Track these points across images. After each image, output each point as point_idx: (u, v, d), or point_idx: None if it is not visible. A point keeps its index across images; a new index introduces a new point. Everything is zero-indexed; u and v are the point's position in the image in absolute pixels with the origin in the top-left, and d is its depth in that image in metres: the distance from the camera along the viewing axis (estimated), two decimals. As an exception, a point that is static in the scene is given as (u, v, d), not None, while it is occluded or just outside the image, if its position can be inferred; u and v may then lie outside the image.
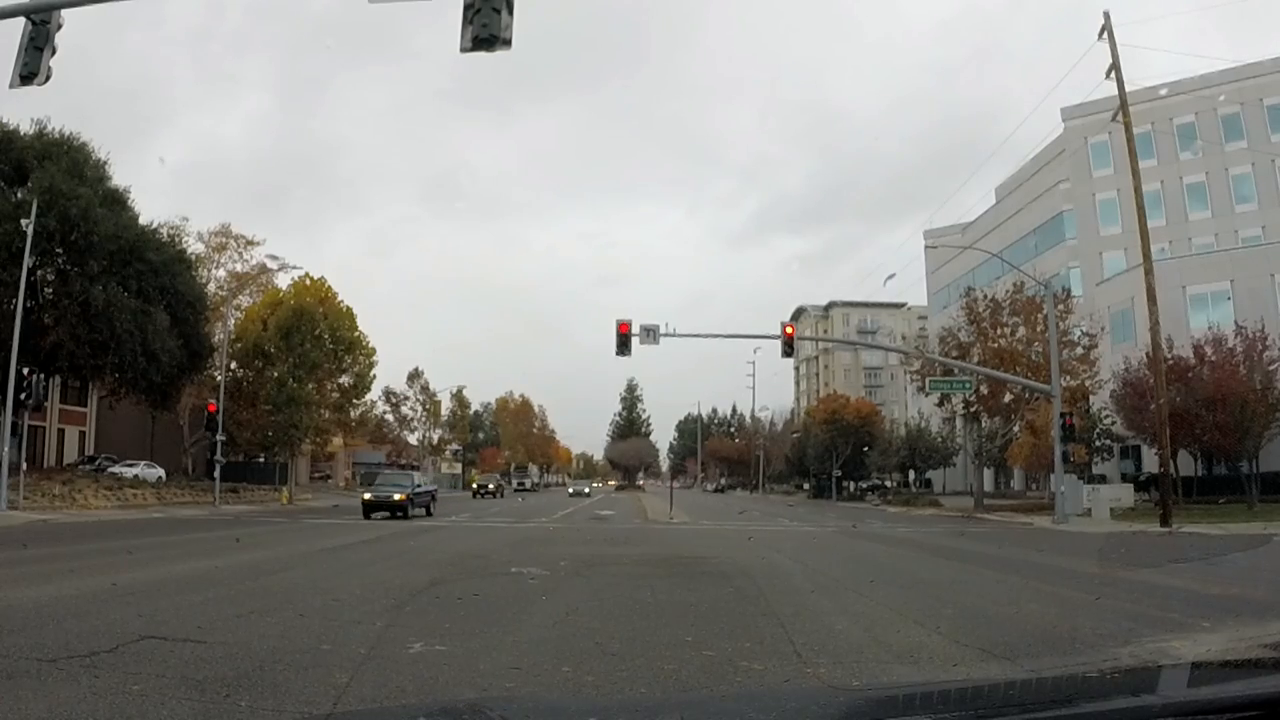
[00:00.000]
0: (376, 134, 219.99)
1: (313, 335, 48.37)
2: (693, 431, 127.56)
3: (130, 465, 43.71)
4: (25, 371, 27.45)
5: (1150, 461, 36.84)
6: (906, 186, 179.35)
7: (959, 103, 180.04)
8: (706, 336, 51.13)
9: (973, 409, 42.60)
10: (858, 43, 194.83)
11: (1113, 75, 26.29)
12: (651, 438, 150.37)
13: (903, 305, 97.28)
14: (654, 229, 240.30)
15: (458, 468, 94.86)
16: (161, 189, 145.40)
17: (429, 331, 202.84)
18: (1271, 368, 31.85)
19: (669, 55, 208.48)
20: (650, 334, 30.32)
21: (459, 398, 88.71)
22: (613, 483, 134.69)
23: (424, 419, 77.52)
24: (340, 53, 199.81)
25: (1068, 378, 35.02)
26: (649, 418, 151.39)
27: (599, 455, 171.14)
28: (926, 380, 41.07)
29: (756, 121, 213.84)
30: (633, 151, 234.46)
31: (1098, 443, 39.52)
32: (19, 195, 32.64)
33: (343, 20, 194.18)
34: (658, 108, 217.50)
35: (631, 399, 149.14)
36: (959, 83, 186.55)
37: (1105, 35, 26.21)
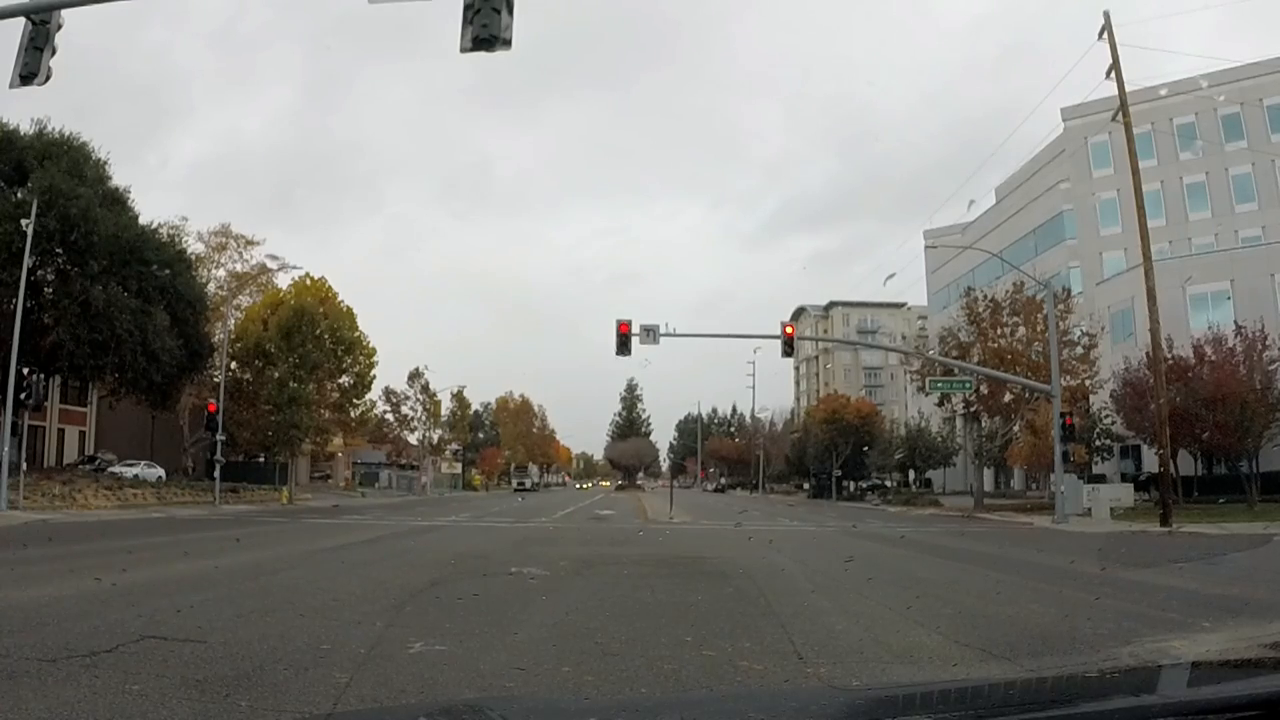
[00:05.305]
0: (397, 131, 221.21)
1: (313, 335, 48.39)
2: (693, 431, 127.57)
3: (130, 465, 43.70)
4: (25, 371, 27.44)
5: (1150, 461, 36.83)
6: (928, 185, 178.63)
7: (986, 102, 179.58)
8: (706, 336, 51.42)
9: (973, 409, 42.61)
10: (886, 39, 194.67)
11: (1113, 75, 26.30)
12: (651, 438, 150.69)
13: (903, 305, 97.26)
14: (672, 227, 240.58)
15: (458, 468, 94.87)
16: (176, 185, 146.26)
17: (435, 330, 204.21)
18: (1271, 368, 31.83)
19: (697, 52, 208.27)
20: (650, 334, 30.28)
21: (459, 397, 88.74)
22: (606, 483, 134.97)
23: (424, 419, 77.45)
24: (362, 50, 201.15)
25: (1068, 377, 35.02)
26: (649, 418, 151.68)
27: (599, 455, 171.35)
28: (926, 380, 41.08)
29: (782, 118, 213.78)
30: (654, 149, 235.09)
31: (1098, 443, 39.52)
32: (19, 195, 32.66)
33: (366, 16, 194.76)
34: (683, 105, 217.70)
35: (631, 399, 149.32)
36: (986, 81, 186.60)
37: (1105, 35, 26.22)
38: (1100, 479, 38.69)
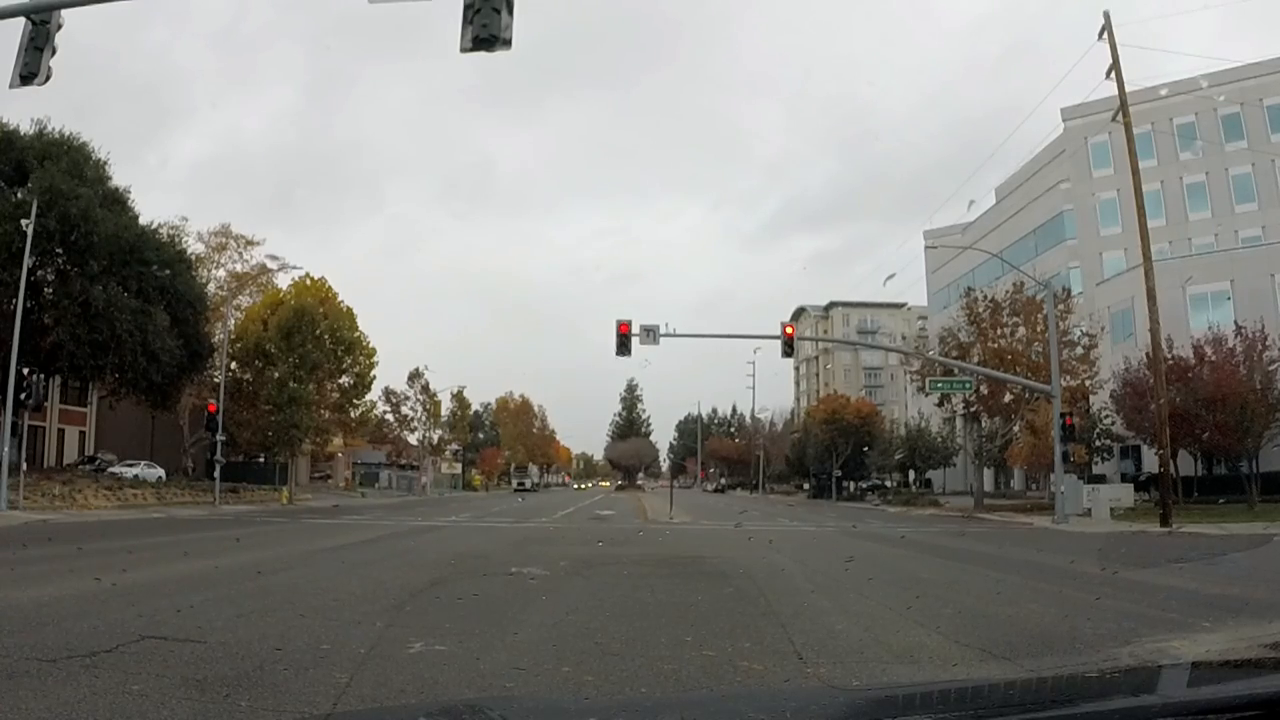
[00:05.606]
0: (397, 131, 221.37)
1: (313, 335, 48.38)
2: (693, 431, 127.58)
3: (130, 465, 43.71)
4: (25, 371, 27.45)
5: (1150, 461, 36.83)
6: (928, 185, 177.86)
7: (986, 102, 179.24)
8: (707, 337, 51.33)
9: (973, 409, 42.60)
10: (887, 39, 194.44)
11: (1113, 75, 26.30)
12: (651, 438, 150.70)
13: (903, 305, 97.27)
14: (673, 227, 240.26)
15: (458, 468, 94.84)
16: (177, 185, 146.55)
17: (435, 330, 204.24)
18: (1271, 368, 31.82)
19: (697, 52, 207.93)
20: (650, 334, 30.27)
21: (459, 398, 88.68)
22: (606, 483, 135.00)
23: (424, 419, 77.44)
24: (362, 50, 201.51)
25: (1068, 378, 35.01)
26: (649, 418, 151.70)
27: (599, 455, 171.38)
28: (926, 380, 41.07)
29: (783, 118, 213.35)
30: (655, 149, 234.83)
31: (1098, 443, 39.52)
32: (19, 195, 32.66)
33: (366, 16, 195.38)
34: (684, 105, 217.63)
35: (631, 399, 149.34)
36: (986, 81, 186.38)
37: (1105, 35, 26.22)
38: (1100, 479, 38.69)
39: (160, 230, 40.40)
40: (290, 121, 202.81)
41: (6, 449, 25.91)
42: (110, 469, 41.93)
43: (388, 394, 71.92)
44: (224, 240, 49.60)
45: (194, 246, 46.52)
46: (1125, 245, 44.24)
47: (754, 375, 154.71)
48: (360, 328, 54.14)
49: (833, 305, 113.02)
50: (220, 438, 38.23)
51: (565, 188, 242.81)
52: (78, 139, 36.31)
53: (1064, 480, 29.71)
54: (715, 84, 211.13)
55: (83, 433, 51.18)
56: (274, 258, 52.06)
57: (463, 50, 11.53)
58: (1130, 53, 59.82)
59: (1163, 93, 41.26)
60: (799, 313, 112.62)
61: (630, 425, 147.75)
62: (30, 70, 12.73)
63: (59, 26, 13.01)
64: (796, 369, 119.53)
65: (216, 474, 38.51)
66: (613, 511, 38.76)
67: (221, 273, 50.07)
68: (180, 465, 48.96)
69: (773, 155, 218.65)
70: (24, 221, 27.96)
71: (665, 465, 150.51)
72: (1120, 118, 26.87)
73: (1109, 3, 33.63)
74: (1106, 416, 38.58)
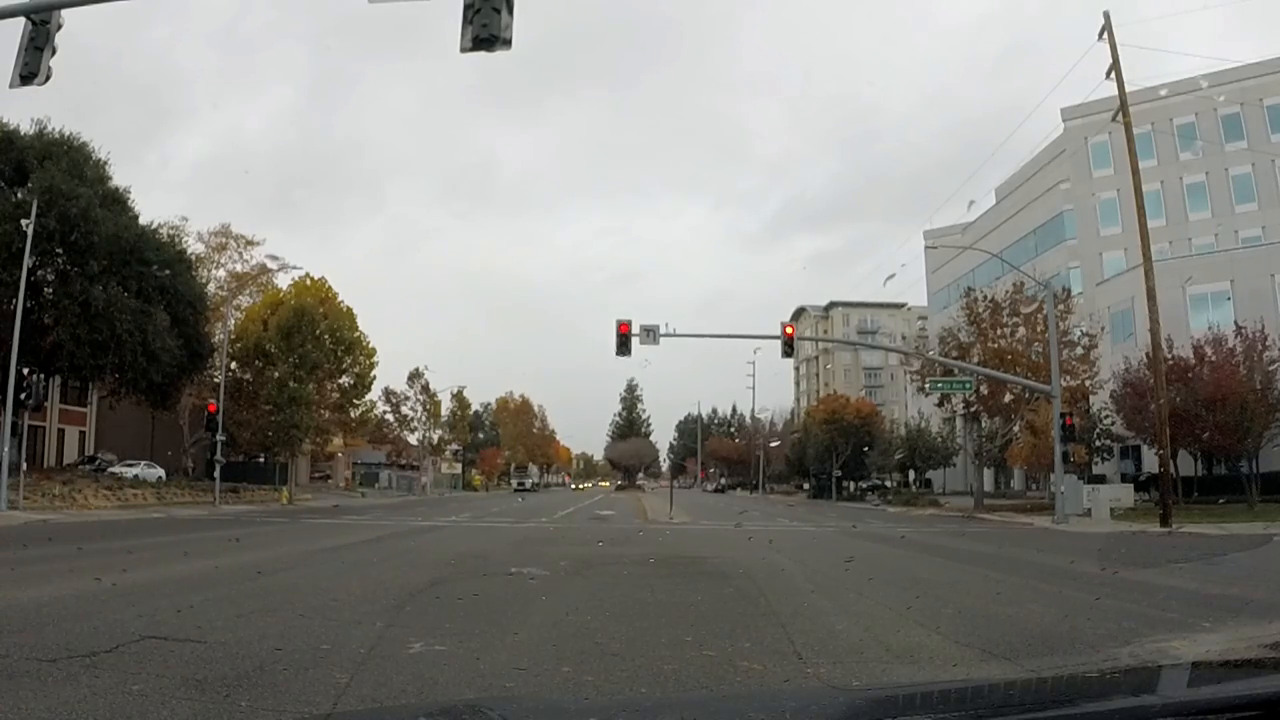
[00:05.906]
0: (398, 131, 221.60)
1: (313, 335, 48.39)
2: (693, 432, 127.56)
3: (130, 465, 43.70)
4: (25, 371, 27.44)
5: (1150, 461, 36.84)
6: (929, 185, 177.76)
7: (986, 102, 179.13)
8: (706, 336, 51.29)
9: (973, 409, 42.60)
10: (888, 39, 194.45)
11: (1113, 75, 26.30)
12: (651, 438, 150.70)
13: (903, 305, 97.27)
14: (674, 227, 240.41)
15: (458, 468, 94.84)
16: (178, 185, 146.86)
17: (435, 330, 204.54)
18: (1271, 368, 31.84)
19: (699, 52, 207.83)
20: (650, 334, 30.28)
21: (459, 398, 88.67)
22: (605, 483, 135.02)
23: (424, 419, 77.42)
24: (363, 50, 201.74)
25: (1068, 378, 35.01)
26: (649, 418, 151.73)
27: (599, 455, 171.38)
28: (926, 380, 41.09)
29: (784, 118, 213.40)
30: (656, 149, 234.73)
31: (1098, 443, 39.52)
32: (19, 195, 32.66)
33: (366, 16, 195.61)
34: (685, 105, 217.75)
35: (631, 399, 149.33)
36: (987, 82, 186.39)
37: (1105, 35, 26.21)
38: (1100, 479, 38.69)
39: (160, 230, 40.41)
40: (290, 121, 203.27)
41: (6, 449, 25.90)
42: (110, 469, 41.92)
43: (388, 394, 71.98)
44: (224, 240, 49.68)
45: (194, 246, 46.61)
46: (1125, 245, 44.25)
47: (754, 375, 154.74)
48: (360, 328, 54.23)
49: (833, 305, 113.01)
50: (220, 438, 38.22)
51: (566, 187, 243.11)
52: (78, 139, 36.33)
53: (1064, 480, 29.71)
54: (716, 84, 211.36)
55: (83, 433, 51.18)
56: (274, 258, 52.14)
57: (463, 50, 11.53)
58: (1130, 53, 59.96)
59: (1163, 93, 41.21)
60: (799, 313, 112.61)
61: (630, 425, 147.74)
62: (30, 70, 12.73)
63: (59, 26, 13.01)
64: (796, 369, 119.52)
65: (216, 474, 38.49)
66: (613, 512, 38.75)
67: (221, 273, 50.17)
68: (180, 465, 48.95)
69: (774, 155, 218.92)
70: (24, 221, 27.95)
71: (665, 465, 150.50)
72: (1120, 118, 26.87)
73: (1109, 3, 33.65)
74: (1106, 416, 38.58)
